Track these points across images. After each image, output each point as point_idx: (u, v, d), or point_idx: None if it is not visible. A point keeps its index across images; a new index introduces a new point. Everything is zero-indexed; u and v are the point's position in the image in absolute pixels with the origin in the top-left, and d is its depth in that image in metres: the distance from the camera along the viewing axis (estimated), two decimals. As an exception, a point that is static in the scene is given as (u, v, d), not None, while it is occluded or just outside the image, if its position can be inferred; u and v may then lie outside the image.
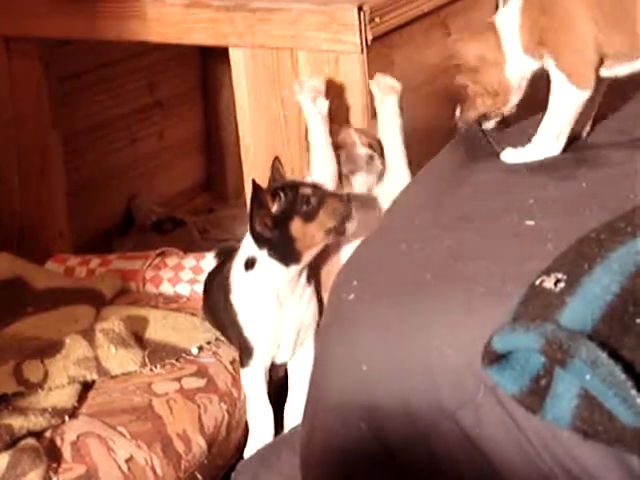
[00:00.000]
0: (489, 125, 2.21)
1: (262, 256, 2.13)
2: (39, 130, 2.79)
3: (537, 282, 1.52)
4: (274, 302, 2.16)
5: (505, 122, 2.25)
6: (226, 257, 2.34)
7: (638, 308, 1.44)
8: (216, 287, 2.30)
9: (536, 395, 1.45)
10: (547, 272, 1.53)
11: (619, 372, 1.34)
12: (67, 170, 2.89)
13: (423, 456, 1.59)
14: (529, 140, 2.13)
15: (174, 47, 2.62)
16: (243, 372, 2.17)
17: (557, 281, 1.50)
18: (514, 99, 2.15)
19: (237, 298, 2.19)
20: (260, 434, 2.15)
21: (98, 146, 3.03)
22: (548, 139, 2.11)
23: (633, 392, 1.33)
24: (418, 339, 1.60)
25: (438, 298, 1.63)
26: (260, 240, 2.12)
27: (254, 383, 2.16)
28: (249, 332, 2.17)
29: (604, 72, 2.07)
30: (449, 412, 1.56)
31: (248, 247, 2.16)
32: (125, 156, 3.12)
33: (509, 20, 2.10)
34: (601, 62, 2.05)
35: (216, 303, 2.27)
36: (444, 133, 2.33)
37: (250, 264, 2.16)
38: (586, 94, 2.06)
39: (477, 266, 1.66)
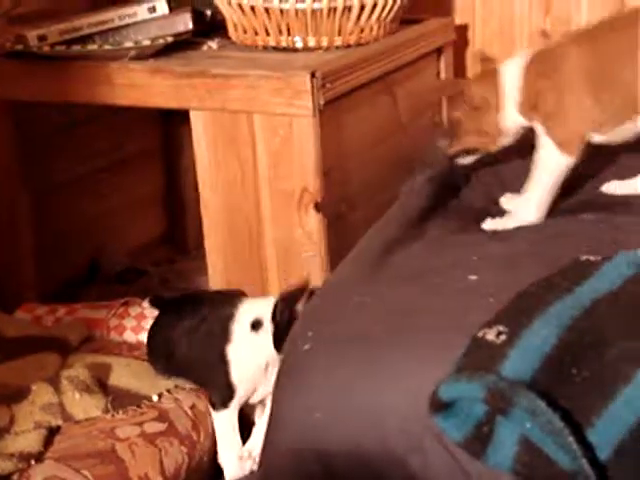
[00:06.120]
0: (467, 160, 2.21)
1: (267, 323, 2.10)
2: (9, 187, 2.75)
3: (479, 334, 1.52)
4: (272, 360, 2.10)
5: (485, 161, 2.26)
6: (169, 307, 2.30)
7: (574, 359, 1.45)
8: (202, 335, 2.18)
9: (479, 441, 1.45)
10: (489, 325, 1.54)
11: (557, 420, 1.35)
12: (35, 224, 2.85)
13: (374, 498, 1.57)
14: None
15: (139, 109, 2.60)
16: (218, 415, 2.10)
17: (499, 333, 1.50)
18: (504, 142, 2.14)
19: (235, 351, 2.11)
20: (235, 473, 2.11)
21: (65, 201, 2.98)
22: (531, 207, 2.06)
23: (570, 439, 1.34)
24: (368, 387, 1.60)
25: (387, 349, 1.62)
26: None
27: (229, 425, 2.10)
28: (237, 379, 2.11)
29: (594, 139, 2.03)
30: (398, 456, 1.55)
31: (255, 312, 2.12)
32: (91, 211, 3.08)
33: (511, 75, 2.06)
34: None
35: (192, 348, 2.18)
36: (392, 192, 2.33)
37: (256, 326, 2.11)
38: (571, 162, 2.02)
39: (424, 320, 1.66)
